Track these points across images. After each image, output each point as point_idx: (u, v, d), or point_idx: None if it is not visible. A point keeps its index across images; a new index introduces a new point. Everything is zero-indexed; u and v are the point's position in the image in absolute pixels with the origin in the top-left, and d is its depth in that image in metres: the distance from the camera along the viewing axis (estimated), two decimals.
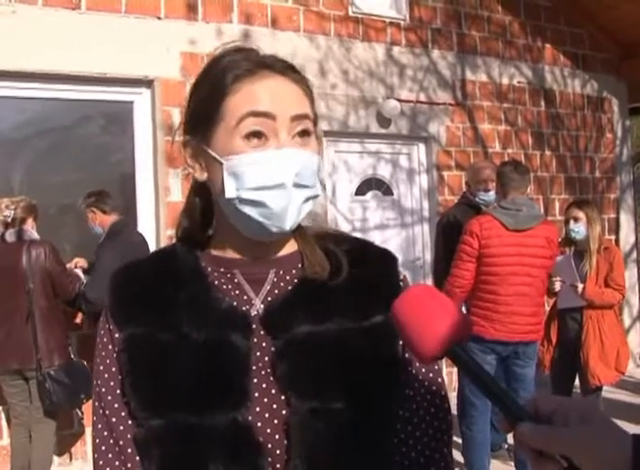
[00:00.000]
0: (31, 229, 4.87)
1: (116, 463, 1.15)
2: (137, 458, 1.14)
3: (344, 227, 6.95)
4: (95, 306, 4.68)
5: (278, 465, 1.10)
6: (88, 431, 5.53)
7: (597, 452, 0.84)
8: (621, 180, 8.92)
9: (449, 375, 6.71)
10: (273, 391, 1.12)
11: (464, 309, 4.67)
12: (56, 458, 5.47)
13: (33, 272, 4.66)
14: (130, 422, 1.15)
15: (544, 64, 8.33)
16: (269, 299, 1.18)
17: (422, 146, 7.49)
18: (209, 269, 1.21)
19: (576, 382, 5.15)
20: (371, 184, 7.28)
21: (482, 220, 4.46)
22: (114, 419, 1.16)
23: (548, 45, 8.36)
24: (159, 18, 5.96)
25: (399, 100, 7.06)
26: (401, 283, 1.27)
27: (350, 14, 7.00)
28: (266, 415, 1.11)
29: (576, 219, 5.05)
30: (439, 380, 1.28)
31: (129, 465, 1.14)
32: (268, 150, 1.11)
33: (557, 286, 5.19)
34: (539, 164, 8.13)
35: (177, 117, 5.93)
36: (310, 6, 6.75)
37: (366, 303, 1.19)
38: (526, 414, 0.90)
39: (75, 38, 5.53)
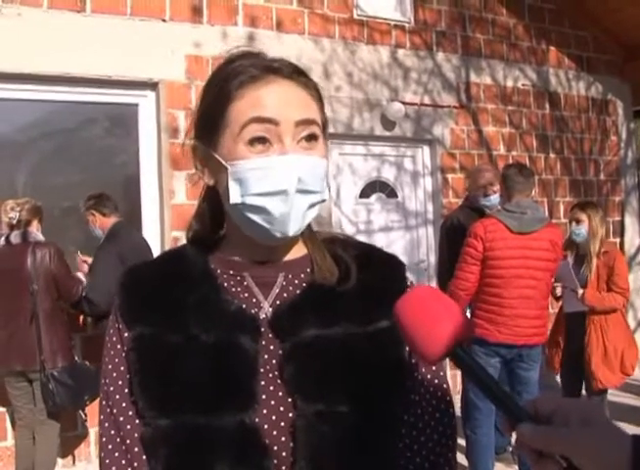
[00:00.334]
0: (36, 231, 4.88)
1: (123, 462, 1.15)
2: (144, 457, 1.14)
3: (349, 230, 6.95)
4: (97, 307, 4.70)
5: (283, 467, 1.10)
6: (92, 432, 5.54)
7: (596, 453, 0.84)
8: (626, 183, 8.90)
9: (453, 378, 6.70)
10: (280, 393, 1.13)
11: (468, 312, 4.67)
12: (60, 460, 5.47)
13: (38, 274, 4.67)
14: (137, 421, 1.15)
15: (548, 66, 8.32)
16: (278, 302, 1.19)
17: (426, 148, 7.49)
18: (219, 271, 1.22)
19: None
20: (375, 187, 7.28)
21: (487, 223, 4.46)
22: (121, 418, 1.16)
23: (552, 48, 8.35)
24: (164, 20, 5.97)
25: (404, 102, 7.06)
26: (408, 289, 1.27)
27: (355, 16, 7.00)
28: (273, 418, 1.12)
29: (578, 221, 5.05)
30: (445, 386, 1.28)
31: (136, 464, 1.14)
32: (271, 156, 1.11)
33: (558, 291, 5.19)
34: (544, 166, 8.12)
35: (182, 119, 5.94)
36: (315, 9, 6.76)
37: (373, 308, 1.19)
38: (527, 415, 0.90)
39: (80, 41, 5.54)
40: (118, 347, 1.19)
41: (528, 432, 0.88)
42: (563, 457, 0.85)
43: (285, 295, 1.20)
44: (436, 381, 1.27)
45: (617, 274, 4.93)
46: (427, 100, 7.35)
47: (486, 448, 4.57)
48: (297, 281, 1.22)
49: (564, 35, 8.41)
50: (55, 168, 5.95)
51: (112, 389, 1.18)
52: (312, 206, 1.16)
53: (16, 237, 4.75)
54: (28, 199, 4.98)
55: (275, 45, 6.23)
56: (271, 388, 1.13)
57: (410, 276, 1.32)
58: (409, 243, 7.43)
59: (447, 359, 0.95)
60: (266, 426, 1.11)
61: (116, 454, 1.15)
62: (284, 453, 1.10)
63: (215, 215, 1.26)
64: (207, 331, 1.14)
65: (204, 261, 1.23)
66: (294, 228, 1.13)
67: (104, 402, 1.19)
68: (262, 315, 1.18)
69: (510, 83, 7.97)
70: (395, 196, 7.40)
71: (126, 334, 1.18)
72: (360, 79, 6.97)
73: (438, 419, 1.26)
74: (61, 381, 4.67)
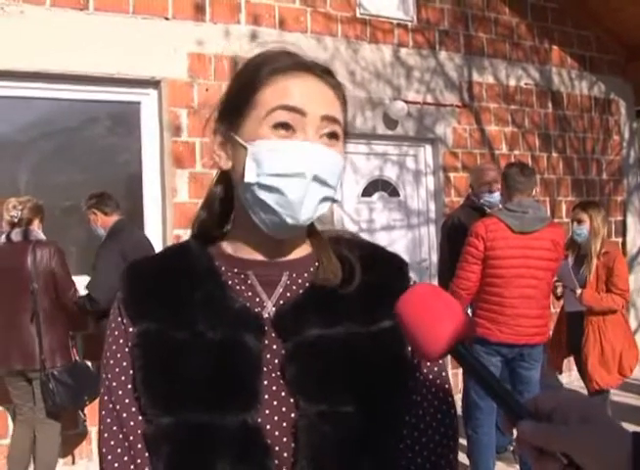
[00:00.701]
0: (37, 230, 4.88)
1: (125, 458, 1.14)
2: (147, 454, 1.14)
3: (351, 228, 6.92)
4: (99, 305, 4.70)
5: (285, 468, 1.10)
6: (93, 430, 5.54)
7: (597, 450, 0.84)
8: (628, 182, 8.89)
9: (454, 377, 6.71)
10: (282, 393, 1.13)
11: (469, 312, 4.67)
12: (60, 459, 5.47)
13: (38, 273, 4.67)
14: (140, 418, 1.15)
15: (551, 65, 8.31)
16: (281, 302, 1.19)
17: (428, 147, 7.49)
18: (223, 269, 1.22)
19: None
20: (377, 185, 7.28)
21: (488, 222, 4.45)
22: (124, 414, 1.15)
23: (555, 47, 8.35)
24: (166, 18, 5.97)
25: (406, 101, 7.06)
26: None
27: (358, 15, 7.00)
28: (275, 418, 1.12)
29: (580, 221, 5.04)
30: (447, 386, 1.28)
31: (139, 461, 1.14)
32: (293, 140, 1.12)
33: (559, 291, 5.19)
34: (546, 165, 8.12)
35: (184, 117, 5.94)
36: (318, 7, 6.76)
37: (376, 307, 1.19)
38: (527, 412, 0.91)
39: (83, 39, 5.54)
40: (121, 341, 1.19)
41: (529, 429, 0.88)
42: (563, 455, 0.86)
43: (288, 294, 1.20)
44: (438, 382, 1.27)
45: (616, 275, 4.91)
46: (429, 99, 7.35)
47: (488, 448, 4.57)
48: (300, 280, 1.21)
49: (566, 35, 8.41)
50: (57, 167, 5.95)
51: (114, 384, 1.17)
52: (325, 199, 1.16)
53: (17, 235, 4.75)
54: (30, 197, 4.98)
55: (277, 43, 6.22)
56: (274, 388, 1.13)
57: (413, 275, 1.32)
58: (411, 242, 7.42)
59: (449, 359, 0.95)
60: (268, 426, 1.11)
61: (119, 450, 1.15)
62: (285, 454, 1.11)
63: (224, 205, 1.26)
64: (213, 328, 1.14)
65: (208, 258, 1.23)
66: (305, 215, 1.13)
67: (105, 398, 1.18)
68: (265, 314, 1.18)
69: (512, 82, 7.97)
70: (398, 195, 7.39)
71: (131, 329, 1.18)
72: (363, 78, 6.96)
73: (440, 420, 1.26)
74: (61, 380, 4.68)
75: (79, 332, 5.51)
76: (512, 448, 5.46)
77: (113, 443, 1.15)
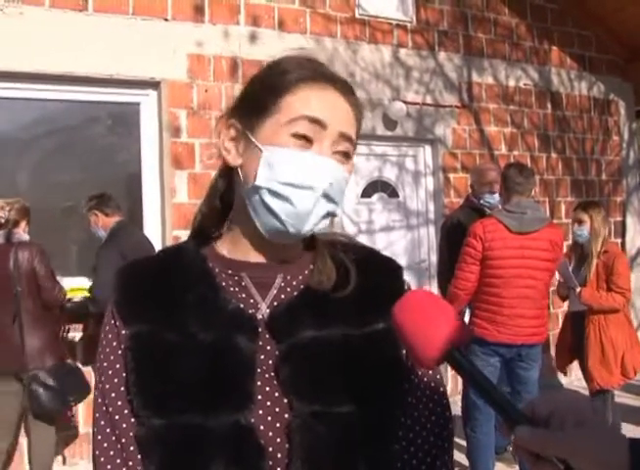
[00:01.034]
0: (22, 232, 4.83)
1: (118, 461, 1.14)
2: (139, 457, 1.14)
3: (350, 229, 6.95)
4: (100, 306, 4.69)
5: (279, 468, 1.10)
6: (81, 431, 5.54)
7: (594, 455, 0.85)
8: (628, 183, 8.90)
9: (454, 378, 6.71)
10: (276, 394, 1.13)
11: (468, 312, 4.67)
12: (59, 458, 5.48)
13: (20, 275, 4.63)
14: (133, 420, 1.14)
15: (551, 66, 8.32)
16: (275, 303, 1.19)
17: (428, 148, 7.49)
18: (217, 271, 1.22)
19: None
20: (377, 186, 7.28)
21: (486, 223, 4.46)
22: (117, 416, 1.15)
23: (555, 47, 8.35)
24: (166, 19, 5.97)
25: (405, 102, 7.06)
26: (405, 292, 1.28)
27: (357, 16, 7.00)
28: (269, 418, 1.12)
29: (581, 222, 5.04)
30: (441, 388, 1.29)
31: (131, 463, 1.13)
32: (310, 152, 1.13)
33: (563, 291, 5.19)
34: (545, 166, 8.12)
35: (184, 118, 5.95)
36: (317, 8, 6.76)
37: (370, 310, 1.20)
38: (524, 417, 0.91)
39: (82, 40, 5.55)
40: (115, 344, 1.19)
41: (526, 435, 0.89)
42: (560, 460, 0.86)
43: (282, 296, 1.20)
44: (433, 384, 1.28)
45: (616, 274, 4.91)
46: (428, 99, 7.35)
47: (487, 448, 4.57)
48: (294, 283, 1.22)
49: (566, 35, 8.41)
50: (57, 167, 5.96)
51: (107, 386, 1.17)
52: (328, 215, 1.18)
53: (0, 237, 4.74)
54: (19, 199, 4.95)
55: (277, 44, 6.23)
56: (267, 388, 1.13)
57: (408, 279, 1.33)
58: (410, 243, 7.43)
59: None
60: (262, 427, 1.11)
61: (112, 453, 1.15)
62: (279, 454, 1.11)
63: (224, 202, 1.27)
64: (206, 330, 1.14)
65: (202, 260, 1.23)
66: (308, 227, 1.15)
67: (99, 400, 1.18)
68: (259, 316, 1.18)
69: (512, 83, 7.97)
70: (397, 196, 7.40)
71: (124, 331, 1.18)
72: (362, 79, 6.97)
73: (435, 421, 1.27)
74: (43, 383, 4.61)
75: (80, 333, 5.51)
76: (511, 449, 5.45)
77: (106, 445, 1.15)
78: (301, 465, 1.09)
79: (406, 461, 1.24)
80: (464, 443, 4.79)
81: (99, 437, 1.16)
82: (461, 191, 7.21)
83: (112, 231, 5.15)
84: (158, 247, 5.45)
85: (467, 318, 4.65)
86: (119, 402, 1.16)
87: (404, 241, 7.38)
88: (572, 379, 6.78)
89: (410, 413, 1.24)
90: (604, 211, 5.27)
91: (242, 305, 1.18)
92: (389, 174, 7.35)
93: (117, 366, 1.17)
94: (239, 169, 1.19)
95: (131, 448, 1.14)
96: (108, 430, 1.16)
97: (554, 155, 8.22)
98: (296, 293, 1.20)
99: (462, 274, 4.48)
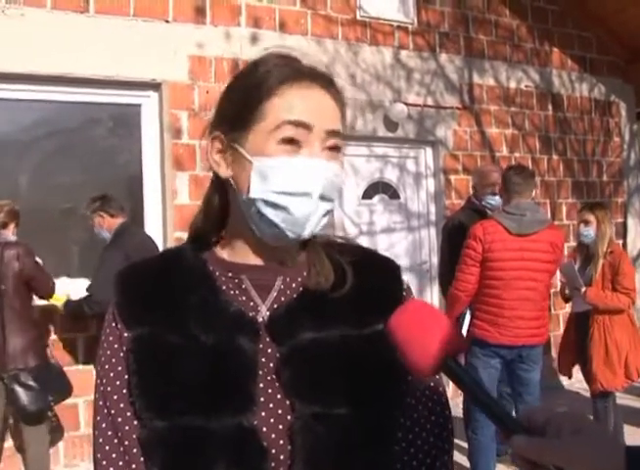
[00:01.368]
0: (10, 233, 4.83)
1: (120, 463, 1.14)
2: (142, 459, 1.13)
3: (351, 231, 6.95)
4: (102, 307, 4.67)
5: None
6: (83, 432, 5.54)
7: (590, 462, 0.85)
8: (629, 184, 8.89)
9: None
10: (278, 396, 1.13)
11: (468, 314, 4.67)
12: (62, 459, 5.49)
13: (6, 274, 4.62)
14: (136, 422, 1.14)
15: (552, 67, 8.31)
16: (275, 306, 1.19)
17: (429, 150, 7.49)
18: (217, 274, 1.22)
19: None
20: (378, 188, 7.28)
21: (486, 225, 4.46)
22: (119, 419, 1.15)
23: (556, 49, 8.35)
24: (167, 21, 5.97)
25: (407, 104, 7.06)
26: (404, 292, 1.29)
27: (358, 17, 7.00)
28: (271, 420, 1.12)
29: (587, 223, 5.04)
30: (441, 389, 1.29)
31: (134, 466, 1.13)
32: (300, 157, 1.12)
33: (567, 290, 5.18)
34: (546, 168, 8.12)
35: (185, 120, 5.95)
36: (318, 10, 6.76)
37: (369, 311, 1.20)
38: (520, 426, 0.92)
39: (83, 41, 5.55)
40: (116, 346, 1.19)
41: (522, 443, 0.89)
42: (557, 467, 0.86)
43: (282, 298, 1.20)
44: (432, 383, 1.28)
45: (622, 274, 4.90)
46: (430, 101, 7.35)
47: (488, 450, 4.57)
48: (294, 285, 1.22)
49: (567, 36, 8.41)
50: (58, 168, 5.95)
51: (109, 389, 1.17)
52: (327, 213, 1.18)
53: None
54: (9, 202, 4.95)
55: (278, 46, 6.22)
56: (269, 390, 1.13)
57: (408, 280, 1.33)
58: (411, 244, 7.42)
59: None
60: (264, 428, 1.11)
61: (114, 455, 1.14)
62: (282, 456, 1.11)
63: (221, 211, 1.26)
64: (207, 332, 1.14)
65: (202, 262, 1.23)
66: (308, 231, 1.15)
67: (100, 403, 1.18)
68: (260, 319, 1.18)
69: (513, 85, 7.97)
70: (398, 197, 7.40)
71: (125, 334, 1.18)
72: (363, 80, 6.97)
73: (434, 422, 1.27)
74: (24, 383, 4.60)
75: (82, 334, 5.51)
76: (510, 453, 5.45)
77: (107, 448, 1.15)
78: (303, 467, 1.10)
79: (406, 462, 1.24)
80: (465, 444, 4.79)
81: (100, 439, 1.16)
82: (462, 193, 7.21)
83: (116, 232, 5.15)
84: (160, 248, 5.45)
85: (467, 320, 4.64)
86: (122, 405, 1.16)
87: (405, 242, 7.37)
88: (574, 381, 6.77)
89: (409, 414, 1.24)
90: (609, 211, 5.27)
91: (242, 308, 1.18)
92: (391, 176, 7.35)
93: (119, 369, 1.17)
94: (231, 180, 1.19)
95: (134, 451, 1.14)
96: (109, 432, 1.16)
97: (555, 156, 8.22)
98: (295, 295, 1.21)
99: (462, 276, 4.48)
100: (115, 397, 1.16)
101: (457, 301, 4.52)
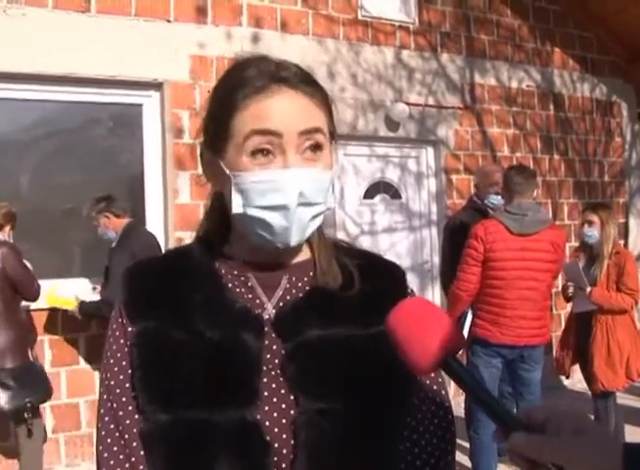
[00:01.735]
0: (6, 236, 4.82)
1: (121, 456, 1.15)
2: (142, 453, 1.14)
3: (353, 231, 6.96)
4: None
5: (284, 465, 1.11)
6: (84, 432, 5.54)
7: (589, 461, 0.86)
8: (630, 185, 8.89)
9: None
10: (282, 391, 1.14)
11: (470, 313, 4.67)
12: (63, 458, 5.49)
13: None
14: (137, 416, 1.15)
15: (553, 67, 8.31)
16: (281, 304, 1.20)
17: (430, 150, 7.49)
18: (223, 271, 1.23)
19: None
20: (379, 188, 7.28)
21: (488, 225, 4.46)
22: (120, 413, 1.16)
23: (557, 49, 8.35)
24: (168, 21, 5.98)
25: (408, 103, 7.06)
26: (409, 297, 1.28)
27: (359, 17, 7.01)
28: (275, 414, 1.12)
29: (590, 223, 5.03)
30: (443, 391, 1.29)
31: (134, 459, 1.14)
32: (274, 169, 1.11)
33: (570, 291, 5.18)
34: (548, 168, 8.12)
35: (186, 119, 5.95)
36: (319, 9, 6.77)
37: (374, 312, 1.18)
38: (519, 424, 0.92)
39: (85, 41, 5.55)
40: (121, 341, 1.20)
41: (521, 441, 0.89)
42: (555, 465, 0.86)
43: (288, 297, 1.21)
44: (435, 386, 1.28)
45: (626, 275, 4.90)
46: (431, 101, 7.35)
47: (489, 450, 4.57)
48: (300, 284, 1.23)
49: (568, 36, 8.41)
50: (58, 168, 5.95)
51: (112, 383, 1.18)
52: (315, 217, 1.17)
53: None
54: (6, 204, 4.94)
55: (279, 46, 6.24)
56: (273, 385, 1.14)
57: (410, 280, 1.33)
58: (413, 244, 7.42)
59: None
60: (267, 423, 1.11)
61: (115, 448, 1.15)
62: (284, 450, 1.11)
63: (223, 217, 1.26)
64: (212, 328, 1.15)
65: (209, 260, 1.24)
66: (295, 239, 1.14)
67: (104, 396, 1.19)
68: (266, 316, 1.18)
69: (514, 84, 7.97)
70: (399, 197, 7.39)
71: (130, 328, 1.19)
72: (364, 80, 6.97)
73: (437, 424, 1.27)
74: (2, 382, 4.57)
75: (83, 333, 5.52)
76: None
77: (109, 440, 1.16)
78: (306, 461, 1.10)
79: (409, 462, 1.24)
80: (467, 444, 4.78)
81: (103, 432, 1.17)
82: (463, 192, 7.21)
83: (123, 233, 5.12)
84: (162, 247, 5.46)
85: (469, 320, 4.64)
86: (124, 399, 1.17)
87: (407, 242, 7.37)
88: (575, 381, 6.76)
89: (414, 414, 1.25)
90: (612, 211, 5.27)
91: (248, 305, 1.19)
92: (392, 176, 7.35)
93: (124, 363, 1.18)
94: (224, 194, 1.20)
95: (134, 444, 1.15)
96: (112, 426, 1.16)
97: (556, 156, 8.22)
98: (301, 294, 1.21)
99: (464, 276, 4.48)
100: (118, 390, 1.17)
101: (459, 300, 4.52)
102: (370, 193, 7.22)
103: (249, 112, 1.12)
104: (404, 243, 7.35)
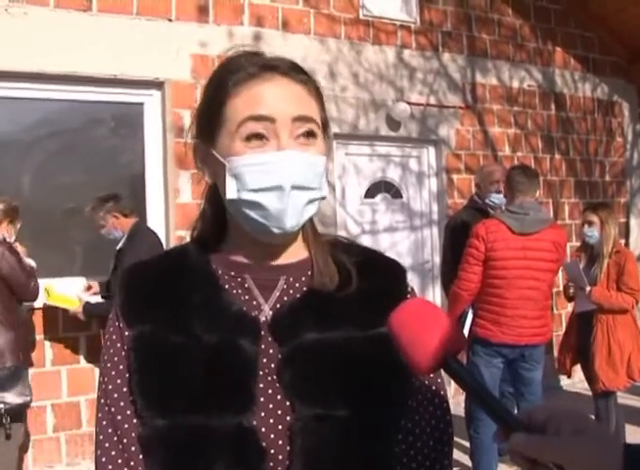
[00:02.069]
0: (4, 232, 4.72)
1: (119, 461, 1.14)
2: (140, 457, 1.14)
3: (354, 230, 6.96)
4: None
5: None
6: (84, 431, 5.55)
7: (589, 460, 0.86)
8: (631, 184, 8.88)
9: None
10: (278, 396, 1.13)
11: (471, 313, 4.67)
12: (64, 457, 5.49)
13: None
14: (135, 420, 1.15)
15: (554, 67, 8.31)
16: (278, 305, 1.19)
17: (431, 149, 7.48)
18: (220, 272, 1.22)
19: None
20: (380, 187, 7.28)
21: (489, 224, 4.46)
22: (119, 417, 1.16)
23: (558, 48, 8.34)
24: (169, 20, 5.98)
25: (409, 103, 7.06)
26: (409, 295, 1.28)
27: (361, 17, 7.00)
28: (271, 420, 1.12)
29: (590, 223, 5.04)
30: (442, 392, 1.29)
31: (132, 463, 1.14)
32: (268, 152, 1.11)
33: (571, 291, 5.18)
34: (549, 167, 8.11)
35: (187, 119, 5.95)
36: (321, 9, 6.76)
37: (373, 313, 1.19)
38: (520, 424, 0.92)
39: (86, 40, 5.55)
40: (118, 345, 1.19)
41: (522, 441, 0.89)
42: (556, 465, 0.86)
43: (285, 298, 1.20)
44: (434, 387, 1.27)
45: (627, 274, 4.90)
46: (432, 100, 7.35)
47: (490, 449, 4.57)
48: (297, 284, 1.22)
49: (570, 36, 8.40)
50: (60, 168, 5.95)
51: (110, 387, 1.18)
52: (311, 202, 1.16)
53: None
54: (4, 198, 4.85)
55: (281, 45, 6.23)
56: (269, 391, 1.13)
57: (411, 279, 1.33)
58: (414, 243, 7.42)
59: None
60: (264, 429, 1.11)
61: (113, 453, 1.15)
62: (281, 456, 1.11)
63: (218, 214, 1.26)
64: (209, 332, 1.15)
65: (205, 262, 1.24)
66: (290, 223, 1.14)
67: (102, 401, 1.19)
68: (262, 318, 1.18)
69: (516, 84, 7.96)
70: (400, 196, 7.40)
71: (127, 332, 1.18)
72: (366, 80, 6.97)
73: (435, 425, 1.26)
74: None
75: (83, 332, 5.52)
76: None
77: (107, 445, 1.16)
78: (302, 467, 1.10)
79: (405, 464, 1.23)
80: (467, 444, 4.78)
81: (101, 437, 1.17)
82: (464, 192, 7.21)
83: (131, 232, 5.06)
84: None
85: (470, 319, 4.64)
86: (122, 403, 1.17)
87: (408, 242, 7.38)
88: (575, 381, 6.76)
89: (411, 417, 1.24)
90: (613, 211, 5.27)
91: (245, 308, 1.18)
92: (393, 175, 7.35)
93: (121, 367, 1.18)
94: (217, 185, 1.20)
95: (133, 449, 1.14)
96: (110, 430, 1.16)
97: (557, 156, 8.21)
98: (298, 295, 1.20)
99: (465, 275, 4.48)
100: (116, 395, 1.17)
101: (459, 299, 4.51)
102: (371, 192, 7.22)
103: (241, 98, 1.13)
104: (405, 242, 7.34)
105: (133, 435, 1.14)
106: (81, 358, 5.56)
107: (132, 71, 5.80)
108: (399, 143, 7.32)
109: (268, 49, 1.23)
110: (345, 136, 6.84)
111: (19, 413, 4.72)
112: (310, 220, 1.23)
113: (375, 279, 1.25)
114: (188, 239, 1.33)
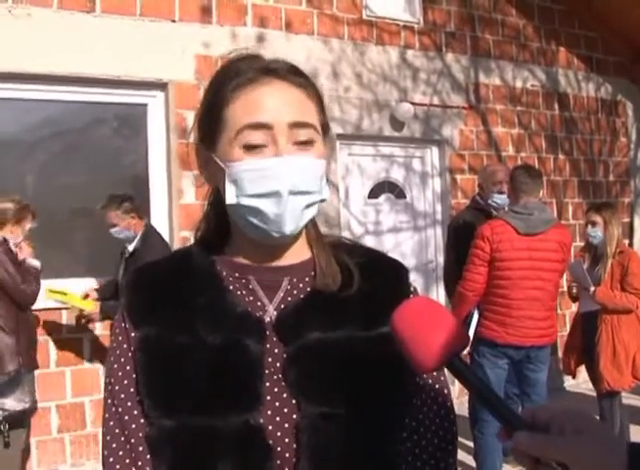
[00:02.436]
0: (8, 234, 4.62)
1: (127, 461, 1.15)
2: (148, 457, 1.15)
3: (357, 230, 6.96)
4: None
5: (286, 468, 1.12)
6: (89, 432, 5.55)
7: (593, 460, 0.86)
8: (635, 184, 8.87)
9: None
10: (284, 395, 1.14)
11: (476, 314, 4.66)
12: (68, 458, 5.50)
13: None
14: (142, 421, 1.16)
15: (558, 67, 8.30)
16: (282, 306, 1.20)
17: (435, 149, 7.48)
18: (224, 274, 1.23)
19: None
20: (384, 187, 7.28)
21: (494, 225, 4.46)
22: (126, 417, 1.17)
23: (562, 48, 8.34)
24: (173, 21, 5.98)
25: (413, 103, 7.05)
26: (411, 295, 1.29)
27: (364, 17, 7.00)
28: (277, 419, 1.13)
29: (594, 224, 5.03)
30: (446, 391, 1.29)
31: (140, 463, 1.15)
32: (266, 158, 1.12)
33: (574, 291, 5.17)
34: (553, 167, 8.11)
35: (191, 119, 5.87)
36: (324, 9, 6.76)
37: (376, 313, 1.19)
38: (523, 423, 0.92)
39: (89, 41, 5.56)
40: (125, 346, 1.20)
41: (525, 439, 0.89)
42: (560, 464, 0.86)
43: (289, 299, 1.21)
44: (437, 386, 1.28)
45: (631, 274, 4.89)
46: (436, 101, 7.35)
47: (494, 450, 4.56)
48: (301, 285, 1.22)
49: (573, 36, 8.40)
50: (63, 168, 5.96)
51: (117, 388, 1.19)
52: (310, 205, 1.17)
53: None
54: (16, 198, 4.74)
55: (284, 46, 6.23)
56: (275, 389, 1.14)
57: (415, 280, 1.33)
58: (417, 244, 7.42)
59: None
60: (270, 427, 1.12)
61: (120, 453, 1.16)
62: (287, 454, 1.12)
63: (221, 217, 1.27)
64: (215, 332, 1.15)
65: (210, 263, 1.24)
66: (289, 228, 1.14)
67: (109, 401, 1.20)
68: (267, 319, 1.19)
69: (519, 84, 7.96)
70: (404, 197, 7.39)
71: (133, 334, 1.19)
72: (369, 80, 6.97)
73: (439, 424, 1.27)
74: None
75: (87, 333, 5.53)
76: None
77: (115, 445, 1.17)
78: (308, 465, 1.10)
79: (410, 463, 1.24)
80: (471, 444, 4.78)
81: (108, 437, 1.18)
82: (468, 192, 7.20)
83: (145, 234, 5.04)
84: None
85: (475, 320, 4.64)
86: (129, 403, 1.17)
87: (411, 242, 7.37)
88: (580, 381, 6.75)
89: (415, 415, 1.25)
90: (617, 211, 5.26)
91: (249, 308, 1.19)
92: (397, 175, 7.35)
93: (128, 368, 1.19)
94: (219, 189, 1.21)
95: (140, 449, 1.15)
96: (117, 430, 1.17)
97: (561, 156, 8.21)
98: (302, 295, 1.21)
99: (470, 276, 4.47)
100: (123, 395, 1.18)
101: (465, 300, 4.51)
102: (375, 193, 7.22)
103: (239, 103, 1.14)
104: (409, 243, 7.34)
105: (140, 435, 1.15)
106: (85, 359, 5.57)
107: (135, 72, 5.80)
108: (403, 143, 7.32)
109: (271, 50, 1.23)
110: (349, 136, 6.84)
111: (19, 420, 4.62)
112: (313, 221, 1.25)
113: (377, 279, 1.26)
114: (192, 240, 1.34)
